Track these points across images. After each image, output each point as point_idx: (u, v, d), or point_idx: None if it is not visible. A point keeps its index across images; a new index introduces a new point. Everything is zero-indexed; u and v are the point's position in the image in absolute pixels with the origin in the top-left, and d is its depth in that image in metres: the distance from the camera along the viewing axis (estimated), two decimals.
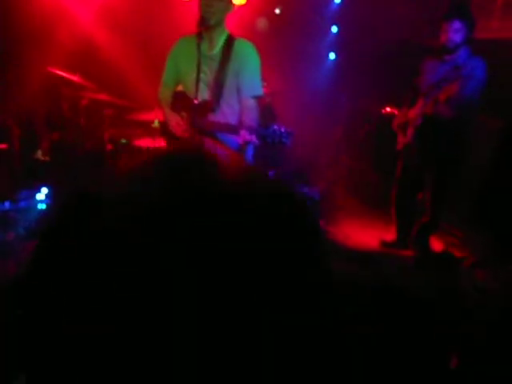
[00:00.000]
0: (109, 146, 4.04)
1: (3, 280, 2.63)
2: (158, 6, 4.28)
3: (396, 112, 4.60)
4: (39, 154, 4.65)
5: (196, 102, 2.16)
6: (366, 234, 3.89)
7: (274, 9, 4.95)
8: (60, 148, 4.54)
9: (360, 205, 4.58)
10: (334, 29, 5.02)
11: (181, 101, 2.31)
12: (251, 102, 2.28)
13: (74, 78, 3.89)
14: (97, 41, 4.58)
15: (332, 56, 5.15)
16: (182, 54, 2.32)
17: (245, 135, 2.12)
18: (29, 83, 4.33)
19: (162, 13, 4.23)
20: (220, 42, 2.21)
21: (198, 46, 2.06)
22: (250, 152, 2.44)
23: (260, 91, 2.33)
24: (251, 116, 2.23)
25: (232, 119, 2.29)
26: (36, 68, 4.24)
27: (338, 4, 4.92)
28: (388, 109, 4.76)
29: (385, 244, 3.68)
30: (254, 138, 2.12)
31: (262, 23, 5.00)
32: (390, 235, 3.70)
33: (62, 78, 3.91)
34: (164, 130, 2.45)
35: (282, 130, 2.13)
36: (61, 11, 4.44)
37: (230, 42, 2.21)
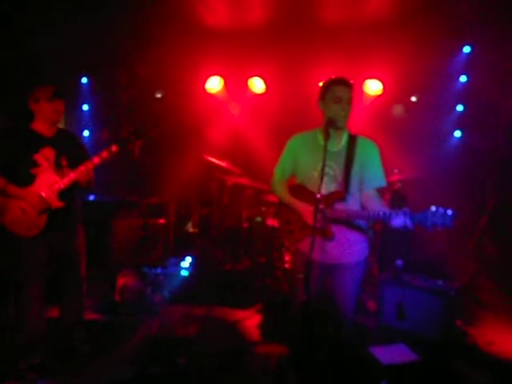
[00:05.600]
0: (245, 224, 4.45)
1: (146, 337, 3.00)
2: (296, 101, 4.86)
3: None
4: (189, 227, 5.35)
5: (326, 193, 2.29)
6: None
7: (410, 96, 5.04)
8: (206, 222, 5.16)
9: (509, 302, 4.00)
10: (460, 107, 4.97)
11: (301, 193, 2.43)
12: (374, 193, 2.37)
13: (223, 163, 4.51)
14: (243, 133, 5.27)
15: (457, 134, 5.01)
16: (302, 149, 2.45)
17: (398, 220, 1.97)
18: (185, 167, 5.15)
19: (297, 106, 4.77)
20: (344, 139, 2.40)
21: (325, 142, 2.24)
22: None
23: (383, 182, 2.41)
24: (376, 203, 2.29)
25: (355, 208, 2.39)
26: (192, 155, 5.05)
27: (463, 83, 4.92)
28: None
29: None
30: (408, 223, 1.96)
31: (397, 110, 5.13)
32: None
33: (212, 163, 4.56)
34: (279, 213, 2.59)
35: (441, 210, 1.86)
36: (216, 109, 5.29)
37: (352, 139, 2.39)
